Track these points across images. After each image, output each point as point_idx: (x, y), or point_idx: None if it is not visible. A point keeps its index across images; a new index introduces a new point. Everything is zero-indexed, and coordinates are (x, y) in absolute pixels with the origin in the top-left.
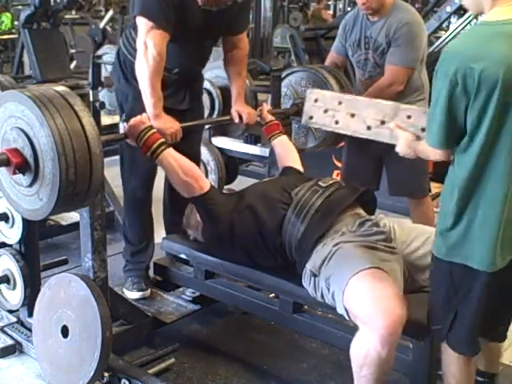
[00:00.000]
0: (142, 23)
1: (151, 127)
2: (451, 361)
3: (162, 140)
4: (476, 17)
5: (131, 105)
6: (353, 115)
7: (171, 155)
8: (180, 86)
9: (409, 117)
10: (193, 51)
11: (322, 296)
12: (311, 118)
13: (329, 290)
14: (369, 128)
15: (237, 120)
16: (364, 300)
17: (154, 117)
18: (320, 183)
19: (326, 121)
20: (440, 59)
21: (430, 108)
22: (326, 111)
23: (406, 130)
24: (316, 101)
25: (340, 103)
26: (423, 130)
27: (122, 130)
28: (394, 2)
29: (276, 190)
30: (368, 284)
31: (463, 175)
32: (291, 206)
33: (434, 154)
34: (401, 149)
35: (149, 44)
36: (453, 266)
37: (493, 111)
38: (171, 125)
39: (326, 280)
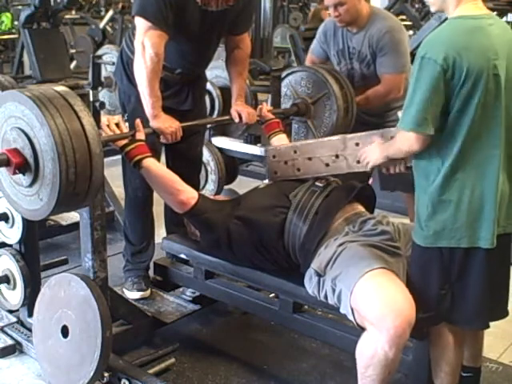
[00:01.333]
0: (140, 23)
1: (131, 142)
2: (446, 347)
3: (140, 157)
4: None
5: (133, 105)
6: (310, 158)
7: (149, 173)
8: (183, 86)
9: (357, 144)
10: (195, 51)
11: (326, 296)
12: (276, 173)
13: (335, 290)
14: (327, 165)
15: (237, 120)
16: (373, 300)
17: (152, 117)
18: (317, 183)
19: (288, 172)
20: (425, 47)
21: (412, 93)
22: (285, 163)
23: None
24: (274, 157)
25: (295, 152)
26: None
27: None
28: (371, 12)
29: (273, 195)
30: (377, 284)
31: (449, 160)
32: (291, 208)
33: (409, 143)
34: (376, 158)
35: (146, 44)
36: (442, 251)
37: (478, 97)
38: (170, 124)
39: (332, 280)
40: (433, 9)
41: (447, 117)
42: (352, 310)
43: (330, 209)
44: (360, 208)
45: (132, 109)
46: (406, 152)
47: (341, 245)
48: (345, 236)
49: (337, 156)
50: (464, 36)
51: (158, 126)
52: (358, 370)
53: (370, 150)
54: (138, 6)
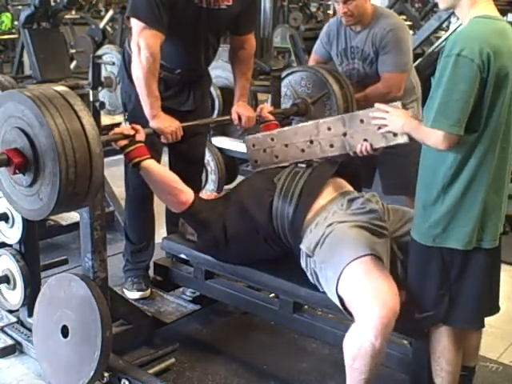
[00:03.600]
0: (134, 24)
1: (130, 144)
2: (446, 346)
3: (138, 159)
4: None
5: (133, 104)
6: (286, 145)
7: (148, 174)
8: (183, 87)
9: (329, 128)
10: (193, 51)
11: (317, 278)
12: (256, 161)
13: (322, 273)
14: (303, 151)
15: (236, 122)
16: (358, 290)
17: (151, 117)
18: (300, 165)
19: (267, 159)
20: (458, 44)
21: (446, 91)
22: (264, 151)
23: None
24: (254, 145)
25: (272, 139)
26: (344, 134)
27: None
28: (374, 10)
29: (259, 180)
30: (362, 274)
31: (473, 160)
32: (276, 192)
33: (436, 141)
34: (397, 128)
35: (141, 45)
36: (442, 251)
37: (503, 99)
38: (170, 123)
39: (319, 263)
40: (442, 6)
41: (477, 116)
42: (340, 297)
43: (313, 185)
44: (346, 185)
45: (132, 108)
46: (429, 146)
47: (329, 225)
48: (333, 215)
49: (311, 141)
50: (496, 37)
51: (158, 125)
52: (346, 364)
53: (395, 117)
54: (131, 7)
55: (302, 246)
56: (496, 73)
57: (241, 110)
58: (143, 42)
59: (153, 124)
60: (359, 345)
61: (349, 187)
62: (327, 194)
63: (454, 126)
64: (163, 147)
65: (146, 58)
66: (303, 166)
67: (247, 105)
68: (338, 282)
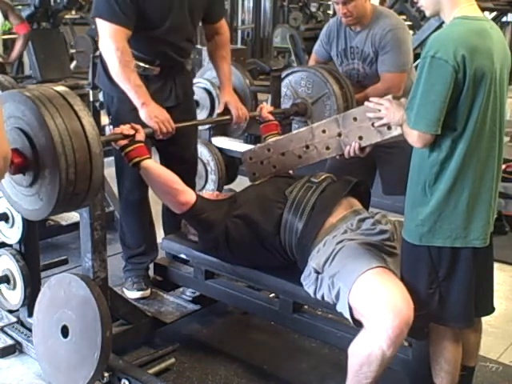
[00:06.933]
0: (99, 24)
1: (130, 144)
2: (446, 346)
3: (138, 159)
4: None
5: (117, 106)
6: (283, 154)
7: (148, 174)
8: (166, 81)
9: (324, 131)
10: (171, 40)
11: (323, 295)
12: (254, 174)
13: (333, 287)
14: (300, 157)
15: (224, 115)
16: (372, 300)
17: (140, 105)
18: (312, 179)
19: (265, 170)
20: (434, 46)
21: (423, 93)
22: (261, 163)
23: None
24: (251, 158)
25: (269, 150)
26: (339, 135)
27: (108, 133)
28: (374, 10)
29: (270, 190)
30: (376, 283)
31: (455, 159)
32: (287, 205)
33: (412, 139)
34: (396, 121)
35: (108, 42)
36: (430, 249)
37: (482, 99)
38: (159, 112)
39: (330, 277)
40: (428, 13)
41: (455, 115)
42: (350, 307)
43: (326, 203)
44: (357, 204)
45: (115, 110)
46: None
47: (339, 242)
48: (343, 234)
49: (307, 146)
50: (473, 37)
51: (148, 114)
52: (351, 368)
53: (395, 111)
54: (94, 8)
55: (311, 263)
56: (473, 73)
57: (228, 98)
58: (109, 39)
59: (142, 113)
60: (369, 352)
61: (359, 206)
62: (338, 212)
63: (432, 126)
64: (151, 148)
65: (115, 52)
66: (316, 180)
67: (234, 94)
68: (349, 292)
